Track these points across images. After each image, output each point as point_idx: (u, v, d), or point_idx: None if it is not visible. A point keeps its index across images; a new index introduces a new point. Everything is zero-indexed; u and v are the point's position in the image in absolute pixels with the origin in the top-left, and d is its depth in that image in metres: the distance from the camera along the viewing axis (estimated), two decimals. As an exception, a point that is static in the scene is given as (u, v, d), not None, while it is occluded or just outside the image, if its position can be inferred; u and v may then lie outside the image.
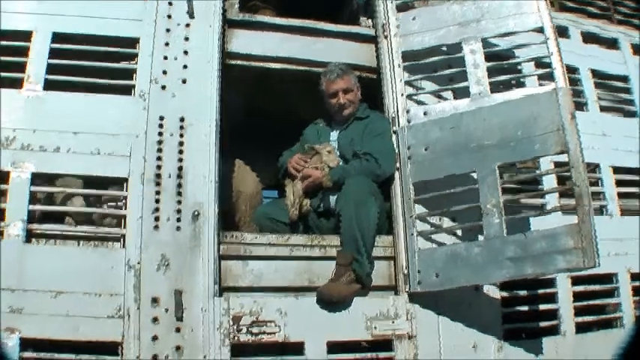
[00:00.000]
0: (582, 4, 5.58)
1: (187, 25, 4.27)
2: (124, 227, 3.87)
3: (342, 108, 4.57)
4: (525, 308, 4.45)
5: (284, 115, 5.45)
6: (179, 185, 3.99)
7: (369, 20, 4.89)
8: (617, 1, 5.76)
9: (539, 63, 4.49)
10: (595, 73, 5.26)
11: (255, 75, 4.73)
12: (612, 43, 5.56)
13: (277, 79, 4.82)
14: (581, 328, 4.51)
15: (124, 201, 3.94)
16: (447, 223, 4.31)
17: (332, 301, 4.01)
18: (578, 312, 4.54)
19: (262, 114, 5.70)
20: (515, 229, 3.99)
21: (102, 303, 3.69)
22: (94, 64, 4.03)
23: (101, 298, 3.69)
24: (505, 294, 4.35)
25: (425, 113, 4.39)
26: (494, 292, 4.31)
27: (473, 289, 4.20)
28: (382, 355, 4.05)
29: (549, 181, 4.62)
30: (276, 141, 4.90)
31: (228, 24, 4.52)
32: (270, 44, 4.61)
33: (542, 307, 4.50)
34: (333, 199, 4.37)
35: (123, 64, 4.13)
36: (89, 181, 3.95)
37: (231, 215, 4.72)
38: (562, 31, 5.09)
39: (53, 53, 4.01)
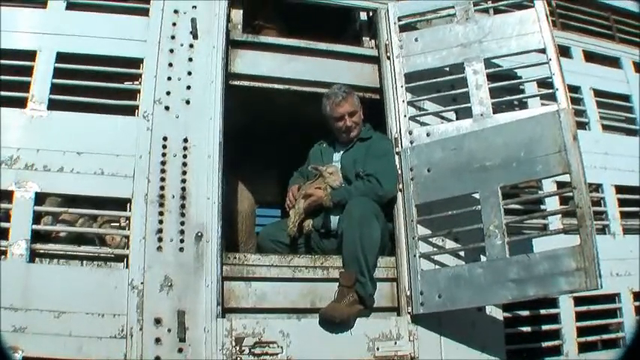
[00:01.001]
0: (584, 22, 5.61)
1: (191, 46, 4.30)
2: (128, 248, 3.87)
3: (349, 130, 4.61)
4: (528, 329, 4.46)
5: (284, 128, 5.49)
6: (182, 206, 4.01)
7: (372, 41, 4.92)
8: (618, 19, 5.79)
9: (542, 83, 4.53)
10: (597, 92, 5.28)
11: (257, 92, 4.74)
12: (614, 62, 5.59)
13: (278, 95, 4.83)
14: (583, 348, 4.52)
15: (127, 221, 3.94)
16: (449, 244, 4.34)
17: (334, 322, 4.02)
18: (581, 332, 4.55)
19: (261, 127, 5.73)
20: (518, 250, 4.00)
21: (105, 323, 3.70)
22: (98, 84, 4.07)
23: (104, 318, 3.71)
24: (508, 315, 4.36)
25: (428, 134, 4.43)
26: (497, 313, 4.33)
27: (476, 310, 4.21)
28: None
29: (552, 202, 4.62)
30: (275, 156, 4.90)
31: (231, 44, 4.56)
32: (273, 64, 4.65)
33: (545, 327, 4.51)
34: (335, 220, 4.40)
35: (127, 85, 4.16)
36: (88, 201, 3.95)
37: (228, 235, 4.65)
38: (564, 50, 5.14)
39: (57, 73, 4.03)
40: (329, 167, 4.49)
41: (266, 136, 5.90)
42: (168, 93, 4.17)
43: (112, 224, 4.03)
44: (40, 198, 3.85)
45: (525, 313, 4.46)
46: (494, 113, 4.28)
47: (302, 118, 5.05)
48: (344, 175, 4.49)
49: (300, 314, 4.11)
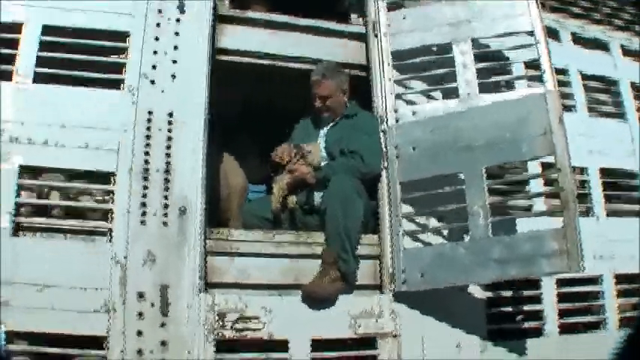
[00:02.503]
0: (573, 5, 5.63)
1: (178, 20, 4.31)
2: (111, 221, 3.90)
3: (319, 112, 4.66)
4: (510, 309, 4.52)
5: (280, 108, 5.46)
6: (167, 180, 4.03)
7: (360, 18, 4.92)
8: (608, 4, 5.81)
9: (529, 65, 4.57)
10: (584, 76, 5.33)
11: (249, 68, 4.76)
12: (602, 46, 5.64)
13: (270, 72, 4.88)
14: (565, 330, 4.59)
15: (111, 195, 3.96)
16: (433, 223, 4.38)
17: (317, 299, 4.08)
18: (563, 314, 4.62)
19: (257, 106, 5.79)
20: (501, 230, 4.07)
21: (88, 297, 3.73)
22: (84, 57, 4.05)
23: (87, 292, 3.74)
24: (490, 294, 4.43)
25: (414, 113, 4.47)
26: (479, 293, 4.40)
27: (458, 289, 4.26)
28: (366, 352, 4.11)
29: (536, 183, 4.69)
30: (267, 134, 4.94)
31: (219, 19, 4.56)
32: (260, 40, 4.67)
33: (527, 307, 4.57)
34: (318, 196, 4.43)
35: (113, 58, 4.15)
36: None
37: (220, 212, 4.76)
38: (552, 33, 5.16)
39: (43, 46, 4.02)
40: (307, 145, 4.51)
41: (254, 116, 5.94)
42: (154, 67, 4.18)
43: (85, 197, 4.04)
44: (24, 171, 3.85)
45: (507, 293, 4.50)
46: (480, 94, 4.29)
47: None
48: (328, 151, 4.55)
49: (282, 290, 4.15)
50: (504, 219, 4.25)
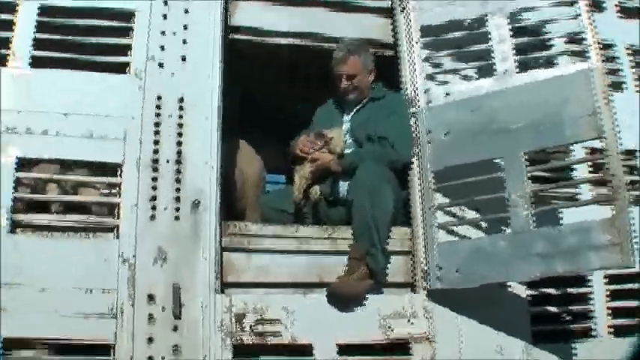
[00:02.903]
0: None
1: (187, -3, 4.18)
2: (118, 217, 3.79)
3: (345, 93, 4.53)
4: (555, 309, 4.37)
5: (295, 96, 5.44)
6: (178, 171, 3.93)
7: (385, -9, 4.78)
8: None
9: (572, 39, 4.34)
10: (632, 50, 5.07)
11: (266, 50, 4.68)
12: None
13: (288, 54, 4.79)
14: (617, 332, 4.39)
15: (117, 188, 3.85)
16: (469, 214, 4.23)
17: (343, 299, 3.97)
18: (615, 313, 4.42)
19: (272, 93, 5.71)
20: (544, 221, 3.90)
21: (93, 300, 3.62)
22: (86, 39, 3.93)
23: (92, 294, 3.62)
24: (533, 292, 4.27)
25: (446, 94, 4.32)
26: (520, 291, 4.24)
27: (498, 287, 4.11)
28: (398, 357, 4.00)
29: (582, 169, 4.50)
30: (285, 123, 4.89)
31: (232, -5, 4.44)
32: (277, 17, 4.54)
33: (575, 307, 4.40)
34: (344, 186, 4.33)
35: (117, 40, 4.03)
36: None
37: (234, 203, 4.64)
38: (596, 3, 4.90)
39: (40, 27, 3.90)
40: (330, 131, 4.41)
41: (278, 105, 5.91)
42: (162, 48, 4.07)
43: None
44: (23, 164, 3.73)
45: (552, 291, 4.34)
46: (518, 71, 4.13)
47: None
48: (354, 138, 4.44)
49: (306, 289, 4.05)
50: (548, 209, 4.06)
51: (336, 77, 4.50)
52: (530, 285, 4.25)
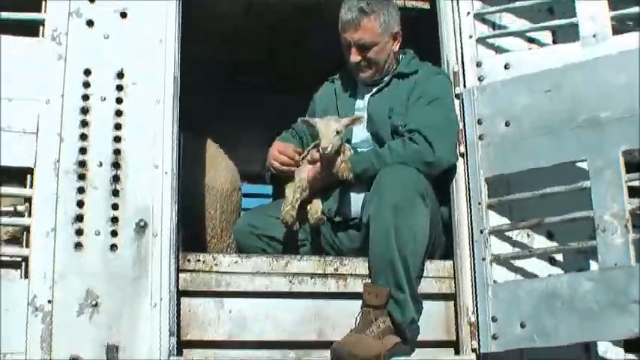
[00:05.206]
0: None
1: None
2: (27, 245, 3.45)
3: (357, 70, 4.29)
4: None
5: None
6: (115, 179, 3.60)
7: None
8: None
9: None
10: None
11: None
12: None
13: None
14: None
15: (26, 204, 3.51)
16: (538, 242, 3.87)
17: None
18: None
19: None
20: (649, 254, 3.47)
21: None
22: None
23: None
24: (634, 358, 3.86)
25: (507, 66, 4.03)
26: (616, 354, 3.85)
27: (582, 348, 3.76)
28: None
29: None
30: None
31: None
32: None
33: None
34: (357, 201, 4.09)
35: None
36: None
37: (196, 226, 4.42)
38: None
39: None
40: (330, 121, 4.04)
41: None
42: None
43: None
44: None
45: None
46: (614, 34, 3.75)
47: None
48: (373, 130, 4.20)
49: (300, 351, 3.77)
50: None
51: (344, 47, 4.27)
52: (629, 345, 3.86)
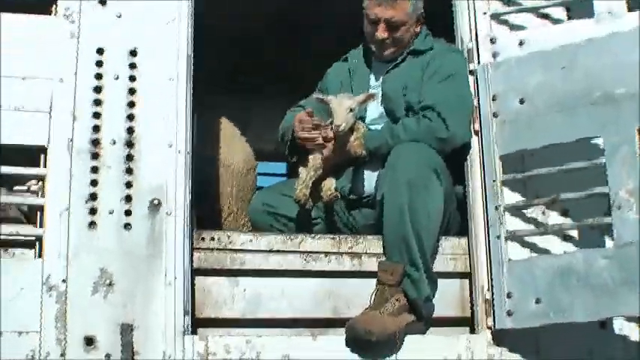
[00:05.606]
0: None
1: None
2: (41, 225, 3.45)
3: (381, 47, 4.27)
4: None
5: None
6: (129, 158, 3.58)
7: None
8: None
9: None
10: None
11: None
12: None
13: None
14: None
15: (40, 183, 3.54)
16: (553, 219, 3.84)
17: (371, 342, 3.56)
18: None
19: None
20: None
21: (4, 346, 3.25)
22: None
23: (3, 337, 3.27)
24: None
25: (521, 43, 4.03)
26: (632, 331, 3.82)
27: (597, 325, 3.71)
28: None
29: None
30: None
31: None
32: None
33: None
34: (371, 179, 4.10)
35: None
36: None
37: (211, 205, 4.40)
38: None
39: None
40: (343, 99, 4.04)
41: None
42: (103, -24, 3.63)
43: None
44: None
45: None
46: (629, 11, 3.75)
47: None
48: (387, 107, 4.18)
49: (315, 329, 3.77)
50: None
51: (370, 20, 4.23)
52: (646, 322, 3.81)
